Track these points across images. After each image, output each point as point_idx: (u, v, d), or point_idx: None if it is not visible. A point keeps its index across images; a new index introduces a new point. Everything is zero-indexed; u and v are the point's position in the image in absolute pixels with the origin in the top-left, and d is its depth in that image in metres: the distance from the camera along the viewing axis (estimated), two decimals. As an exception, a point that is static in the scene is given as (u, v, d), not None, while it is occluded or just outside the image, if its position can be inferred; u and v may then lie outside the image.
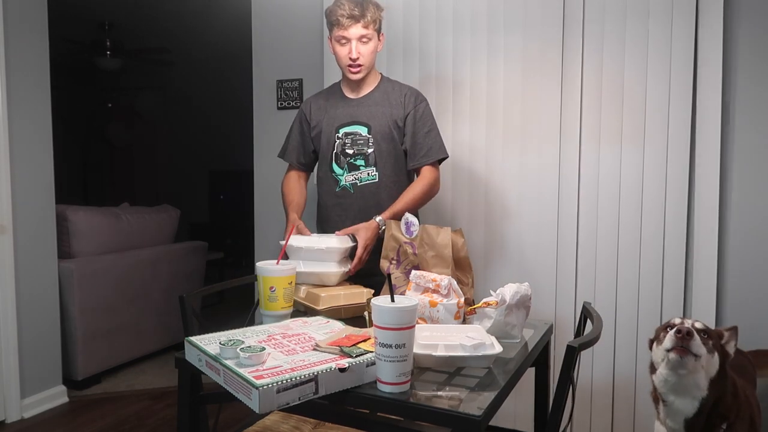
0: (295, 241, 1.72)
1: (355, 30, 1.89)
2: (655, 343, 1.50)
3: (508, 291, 1.37)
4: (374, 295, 1.61)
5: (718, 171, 2.07)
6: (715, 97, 2.06)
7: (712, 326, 1.54)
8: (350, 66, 1.94)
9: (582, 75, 2.25)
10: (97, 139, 7.48)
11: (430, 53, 2.49)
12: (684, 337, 1.36)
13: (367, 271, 1.83)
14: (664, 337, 1.43)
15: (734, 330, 1.49)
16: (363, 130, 1.98)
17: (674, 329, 1.39)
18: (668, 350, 1.39)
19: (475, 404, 1.02)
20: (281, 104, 2.87)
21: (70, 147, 7.17)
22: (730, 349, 1.46)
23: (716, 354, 1.42)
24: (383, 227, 1.83)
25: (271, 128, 2.90)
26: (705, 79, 2.07)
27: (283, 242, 1.67)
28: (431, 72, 2.50)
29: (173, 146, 7.20)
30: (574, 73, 2.26)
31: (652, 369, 1.51)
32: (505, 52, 2.36)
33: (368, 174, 1.98)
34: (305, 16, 2.79)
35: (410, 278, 1.49)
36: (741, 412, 1.46)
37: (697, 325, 1.44)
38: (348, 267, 1.78)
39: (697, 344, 1.37)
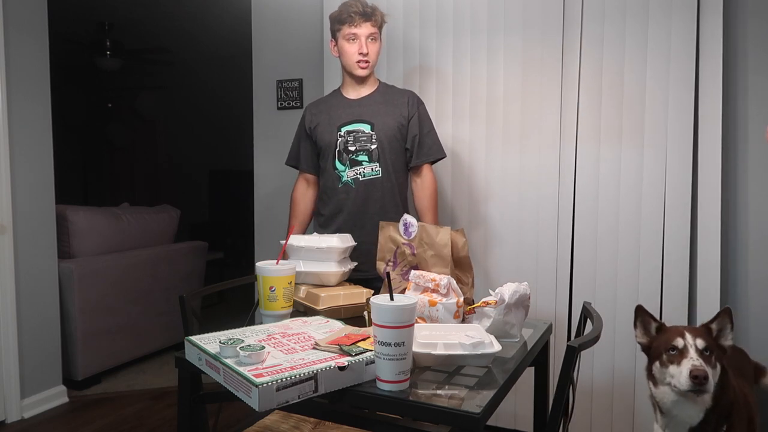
0: (295, 240, 1.72)
1: (366, 28, 2.02)
2: (658, 364, 1.44)
3: (507, 290, 1.37)
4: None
5: (719, 170, 2.06)
6: (716, 95, 2.05)
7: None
8: (359, 62, 2.05)
9: (580, 74, 2.25)
10: (97, 139, 7.49)
11: (430, 53, 2.50)
12: (701, 382, 1.32)
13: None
14: (668, 360, 1.40)
15: (723, 315, 1.43)
16: (366, 128, 2.07)
17: (690, 372, 1.32)
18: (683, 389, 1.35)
19: (474, 402, 1.03)
20: (281, 104, 2.87)
21: (70, 147, 7.18)
22: (726, 340, 1.43)
23: (718, 366, 1.40)
24: None
25: (271, 128, 2.90)
26: (706, 77, 2.06)
27: (283, 242, 1.68)
28: (431, 72, 2.50)
29: (173, 146, 7.20)
30: (573, 73, 2.26)
31: (651, 378, 1.47)
32: (504, 52, 2.36)
33: (371, 169, 2.07)
34: (305, 16, 2.79)
35: (410, 278, 1.49)
36: (739, 412, 1.44)
37: (699, 344, 1.39)
38: (348, 267, 1.78)
39: (710, 384, 1.33)
